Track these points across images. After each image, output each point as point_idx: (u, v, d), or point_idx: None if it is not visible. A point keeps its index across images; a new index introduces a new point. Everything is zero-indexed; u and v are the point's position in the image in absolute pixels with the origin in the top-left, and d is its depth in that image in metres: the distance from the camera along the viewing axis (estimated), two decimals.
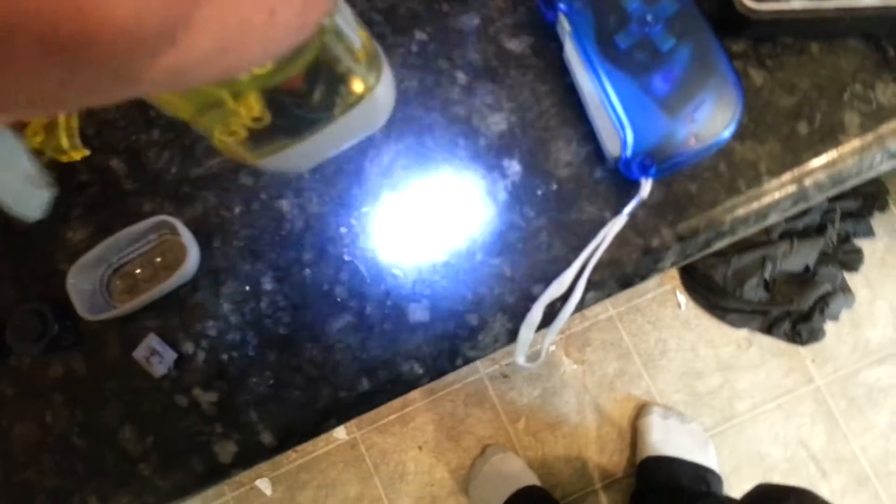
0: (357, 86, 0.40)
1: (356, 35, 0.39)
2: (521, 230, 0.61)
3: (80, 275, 0.60)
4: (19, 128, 0.59)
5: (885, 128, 0.60)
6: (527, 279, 0.61)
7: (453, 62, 0.63)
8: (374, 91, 0.41)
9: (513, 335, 0.61)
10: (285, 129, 0.40)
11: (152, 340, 0.61)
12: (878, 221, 1.65)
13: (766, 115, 0.61)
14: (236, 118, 0.37)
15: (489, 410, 1.63)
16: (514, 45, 0.63)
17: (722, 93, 0.56)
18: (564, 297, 0.61)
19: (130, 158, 0.63)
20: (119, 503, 0.61)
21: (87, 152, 0.63)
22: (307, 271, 0.62)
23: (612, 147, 0.58)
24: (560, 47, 0.61)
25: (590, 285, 0.61)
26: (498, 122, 0.62)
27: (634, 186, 0.59)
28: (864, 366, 1.65)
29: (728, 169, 0.61)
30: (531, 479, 1.52)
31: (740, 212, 0.61)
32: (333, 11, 0.36)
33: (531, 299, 0.60)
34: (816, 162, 0.60)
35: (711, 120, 0.56)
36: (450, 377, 1.62)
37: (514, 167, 0.62)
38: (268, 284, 0.62)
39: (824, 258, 1.58)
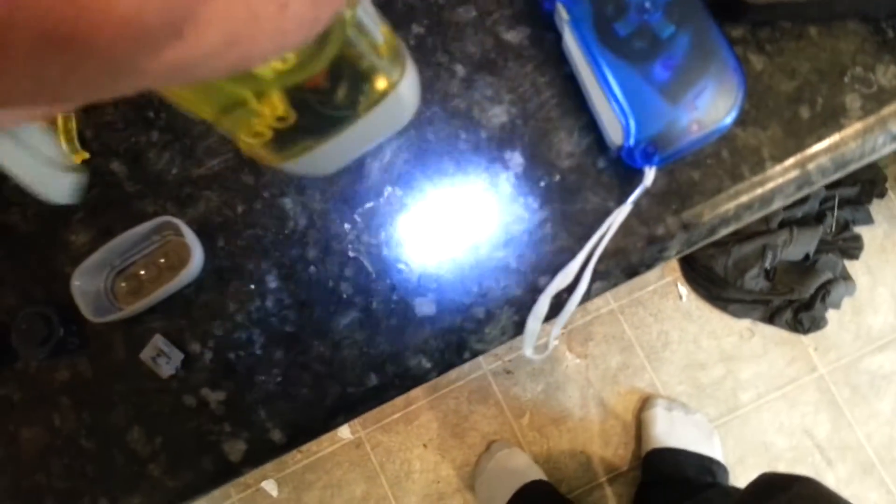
0: (381, 82, 0.40)
1: (379, 30, 0.39)
2: (525, 222, 0.61)
3: (85, 277, 0.60)
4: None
5: (887, 110, 0.60)
6: (532, 271, 0.61)
7: (451, 55, 0.63)
8: (398, 87, 0.41)
9: (520, 327, 0.61)
10: (310, 128, 0.40)
11: (159, 341, 0.60)
12: (876, 208, 1.65)
13: (767, 100, 0.61)
14: (260, 119, 0.36)
15: (493, 406, 1.63)
16: (512, 36, 0.63)
17: (723, 79, 0.56)
18: (570, 288, 0.60)
19: (131, 160, 0.63)
20: None
21: (86, 155, 0.63)
22: (312, 268, 0.62)
23: (614, 136, 0.58)
24: (558, 37, 0.61)
25: (596, 275, 0.61)
26: (498, 115, 0.62)
27: (637, 175, 0.58)
28: (866, 353, 1.65)
29: (731, 155, 0.61)
30: (537, 474, 1.52)
31: (744, 198, 0.61)
32: (355, 3, 0.35)
33: (537, 291, 0.60)
34: (819, 146, 0.60)
35: (713, 106, 0.56)
36: (453, 374, 1.62)
37: (516, 159, 0.62)
38: (273, 283, 0.62)
39: (824, 246, 1.58)
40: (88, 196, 0.63)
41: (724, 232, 0.62)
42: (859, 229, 1.63)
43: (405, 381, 0.62)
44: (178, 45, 0.20)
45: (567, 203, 0.61)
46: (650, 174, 0.57)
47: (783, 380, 1.64)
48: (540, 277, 0.61)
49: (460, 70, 0.62)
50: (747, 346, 1.66)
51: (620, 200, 0.60)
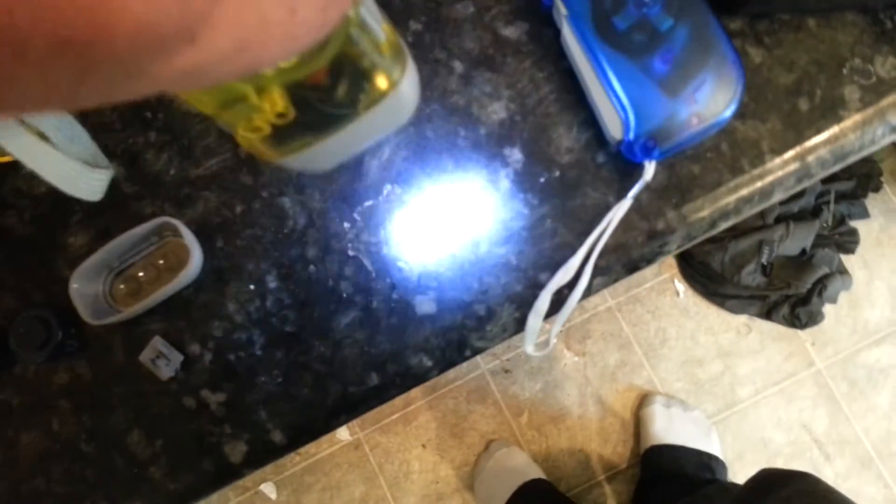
0: (381, 81, 0.40)
1: (381, 28, 0.38)
2: (525, 218, 0.61)
3: (83, 279, 0.59)
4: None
5: (886, 101, 0.60)
6: (533, 267, 0.61)
7: (450, 51, 0.62)
8: (399, 86, 0.41)
9: (521, 324, 0.61)
10: (309, 125, 0.40)
11: (158, 343, 0.60)
12: (872, 202, 1.65)
13: (766, 92, 0.61)
14: (260, 114, 0.36)
15: (492, 406, 1.63)
16: (510, 31, 0.62)
17: (722, 72, 0.56)
18: (571, 284, 0.60)
19: (128, 161, 0.63)
20: None
21: None
22: (312, 268, 0.61)
23: (613, 130, 0.58)
24: (556, 32, 0.61)
25: (596, 271, 0.60)
26: (497, 111, 0.62)
27: (637, 170, 0.58)
28: (863, 347, 1.65)
29: (730, 148, 0.60)
30: (536, 473, 1.51)
31: (744, 191, 0.61)
32: (358, 1, 0.35)
33: (538, 287, 0.60)
34: (818, 138, 0.60)
35: (713, 99, 0.56)
36: (451, 374, 1.62)
37: (515, 155, 0.61)
38: (272, 283, 0.61)
39: (820, 241, 1.58)
40: None
41: (724, 226, 0.62)
42: (855, 223, 1.63)
43: (406, 379, 0.62)
44: (189, 50, 0.21)
45: (567, 199, 0.61)
46: (650, 168, 0.57)
47: (781, 375, 1.65)
48: (540, 274, 0.60)
49: (459, 66, 0.62)
50: (745, 341, 1.66)
51: (620, 195, 0.60)
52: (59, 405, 0.62)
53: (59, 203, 0.62)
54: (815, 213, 1.58)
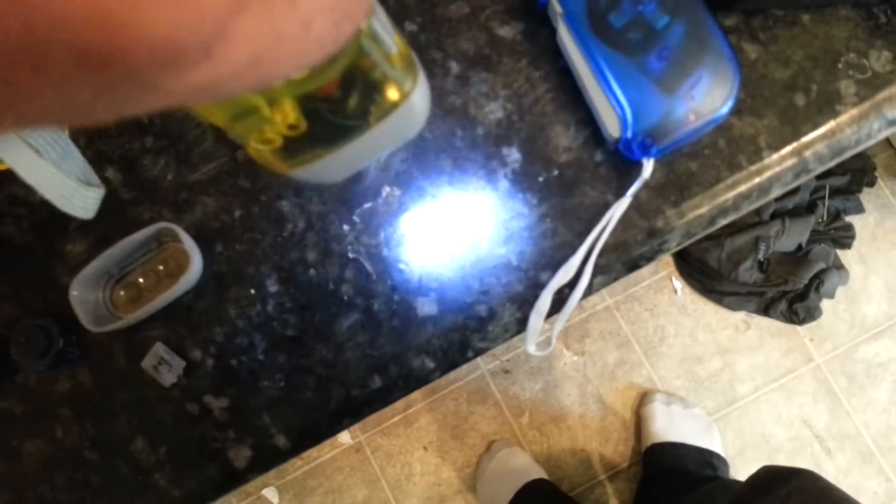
0: (392, 93, 0.40)
1: (392, 40, 0.38)
2: (524, 218, 0.61)
3: (83, 287, 0.59)
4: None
5: (882, 95, 0.61)
6: (534, 267, 0.61)
7: (446, 52, 0.63)
8: (410, 98, 0.41)
9: (522, 324, 0.61)
10: (320, 137, 0.40)
11: (160, 349, 0.60)
12: (867, 197, 1.66)
13: (762, 88, 0.61)
14: (271, 126, 0.36)
15: (492, 407, 1.63)
16: (506, 31, 0.62)
17: (718, 68, 0.56)
18: (572, 284, 0.60)
19: (126, 167, 0.63)
20: None
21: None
22: (312, 271, 0.61)
23: (611, 128, 0.58)
24: (552, 31, 0.61)
25: (597, 270, 0.60)
26: (494, 111, 0.62)
27: (635, 168, 0.58)
28: (861, 341, 1.66)
29: (728, 145, 0.61)
30: (538, 473, 1.52)
31: (743, 187, 0.61)
32: (370, 14, 0.35)
33: (539, 287, 0.60)
34: (815, 133, 0.60)
35: (709, 96, 0.56)
36: (451, 375, 1.62)
37: (513, 155, 0.61)
38: (273, 287, 0.61)
39: (816, 236, 1.59)
40: None
41: (722, 222, 0.62)
42: (851, 218, 1.64)
43: (409, 381, 0.61)
44: (204, 65, 0.21)
45: (566, 198, 0.61)
46: (648, 166, 0.57)
47: (780, 371, 1.65)
48: (541, 273, 0.61)
49: (455, 67, 0.62)
50: (743, 338, 1.66)
51: (619, 194, 0.60)
52: (61, 413, 0.62)
53: (56, 210, 0.61)
54: (810, 208, 1.58)
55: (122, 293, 0.62)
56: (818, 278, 1.57)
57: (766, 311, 1.62)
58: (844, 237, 1.61)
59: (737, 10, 0.61)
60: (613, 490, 1.61)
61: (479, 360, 1.62)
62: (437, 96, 0.62)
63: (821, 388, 1.65)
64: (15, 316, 0.62)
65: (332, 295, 0.61)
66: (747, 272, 1.56)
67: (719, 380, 1.65)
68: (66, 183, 0.50)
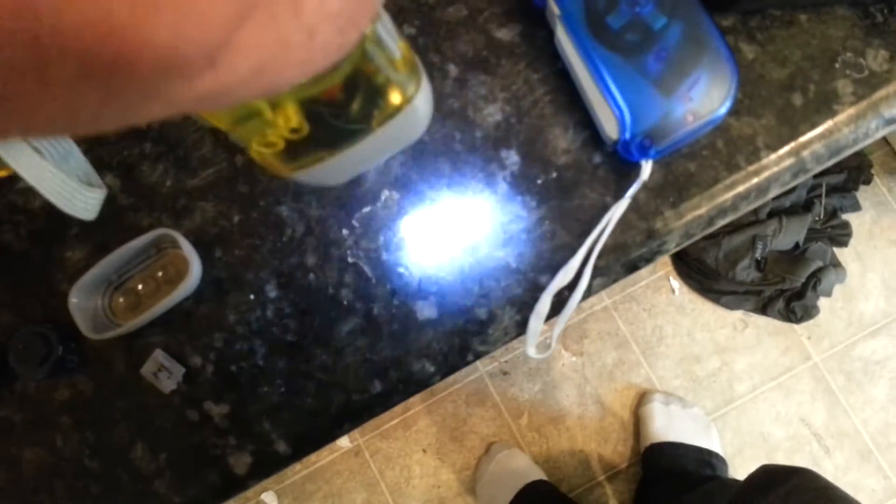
0: (395, 96, 0.40)
1: (396, 45, 0.38)
2: (523, 220, 0.61)
3: (82, 294, 0.59)
4: None
5: (879, 94, 0.61)
6: (533, 269, 0.61)
7: (444, 55, 0.62)
8: (413, 102, 0.41)
9: (522, 327, 0.61)
10: (322, 140, 0.40)
11: (159, 356, 0.60)
12: (863, 195, 1.66)
13: (759, 88, 0.61)
14: (274, 129, 0.36)
15: (491, 408, 1.63)
16: (504, 33, 0.62)
17: (716, 69, 0.56)
18: (571, 286, 0.60)
19: (124, 173, 0.63)
20: None
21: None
22: (311, 276, 0.61)
23: (609, 130, 0.58)
24: (550, 34, 0.61)
25: (596, 272, 0.60)
26: (493, 113, 0.62)
27: (634, 169, 0.58)
28: (859, 339, 1.66)
29: (726, 146, 0.61)
30: (538, 474, 1.52)
31: (741, 188, 0.61)
32: (375, 19, 0.35)
33: (539, 289, 0.60)
34: (813, 133, 0.61)
35: (707, 96, 0.56)
36: (450, 377, 1.62)
37: (512, 157, 0.61)
38: (272, 292, 0.61)
39: (813, 234, 1.59)
40: None
41: (721, 223, 0.62)
42: (847, 216, 1.64)
43: (409, 385, 0.61)
44: (209, 74, 0.21)
45: (564, 200, 0.61)
46: (647, 167, 0.57)
47: (778, 370, 1.65)
48: (540, 276, 0.60)
49: (453, 70, 0.62)
50: (741, 337, 1.66)
51: (618, 195, 0.60)
52: (61, 421, 0.61)
53: (55, 218, 0.62)
54: (806, 206, 1.58)
55: (121, 300, 0.61)
56: (815, 276, 1.57)
57: (763, 309, 1.63)
58: (841, 235, 1.61)
59: (734, 10, 0.61)
60: (613, 490, 1.61)
61: (477, 362, 1.62)
62: (436, 99, 0.62)
63: (819, 387, 1.65)
64: (14, 323, 0.62)
65: (332, 299, 0.61)
66: (745, 271, 1.56)
67: (717, 379, 1.65)
68: (68, 183, 0.50)
